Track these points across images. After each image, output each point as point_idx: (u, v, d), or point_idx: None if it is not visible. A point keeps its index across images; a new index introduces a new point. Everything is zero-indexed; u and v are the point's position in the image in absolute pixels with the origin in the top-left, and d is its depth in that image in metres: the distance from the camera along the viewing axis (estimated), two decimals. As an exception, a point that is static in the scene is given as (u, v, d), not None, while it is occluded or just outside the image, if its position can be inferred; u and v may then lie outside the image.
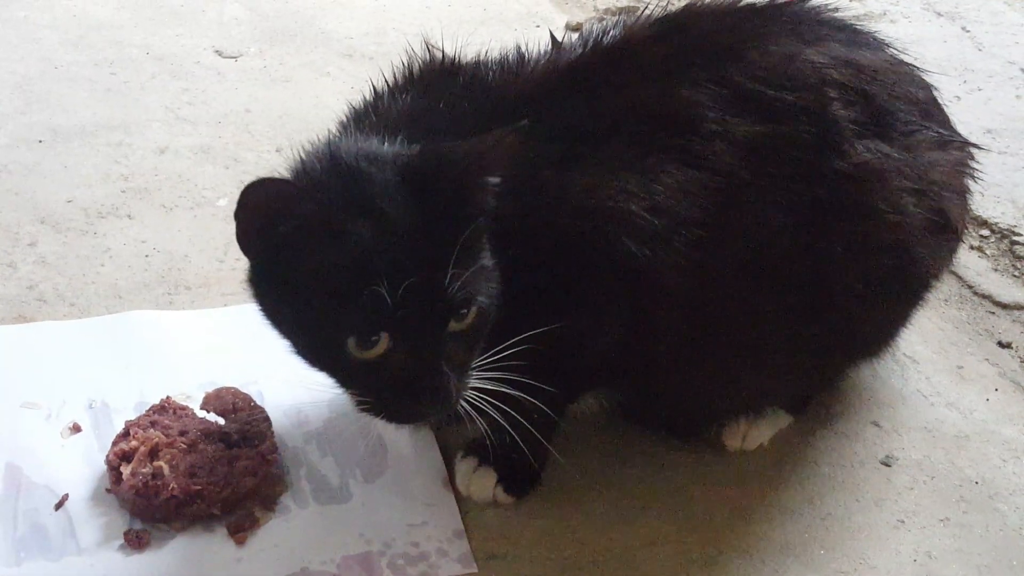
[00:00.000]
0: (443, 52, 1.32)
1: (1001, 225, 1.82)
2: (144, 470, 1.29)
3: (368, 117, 1.29)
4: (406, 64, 1.32)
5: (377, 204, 1.11)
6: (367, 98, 1.32)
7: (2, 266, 1.66)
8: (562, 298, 1.22)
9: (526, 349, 1.21)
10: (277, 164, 1.25)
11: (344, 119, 1.32)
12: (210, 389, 1.41)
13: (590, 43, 1.30)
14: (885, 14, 2.34)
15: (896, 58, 1.40)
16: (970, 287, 1.71)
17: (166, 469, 1.30)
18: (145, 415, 1.37)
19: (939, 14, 2.43)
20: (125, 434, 1.34)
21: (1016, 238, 1.80)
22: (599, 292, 1.24)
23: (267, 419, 1.38)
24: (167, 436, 1.33)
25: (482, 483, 1.34)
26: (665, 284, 1.23)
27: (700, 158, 1.23)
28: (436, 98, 1.27)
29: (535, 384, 1.27)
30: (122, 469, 1.30)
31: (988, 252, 1.79)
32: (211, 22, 2.31)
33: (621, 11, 2.38)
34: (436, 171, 1.13)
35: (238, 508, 1.30)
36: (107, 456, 1.32)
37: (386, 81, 1.31)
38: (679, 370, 1.30)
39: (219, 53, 2.21)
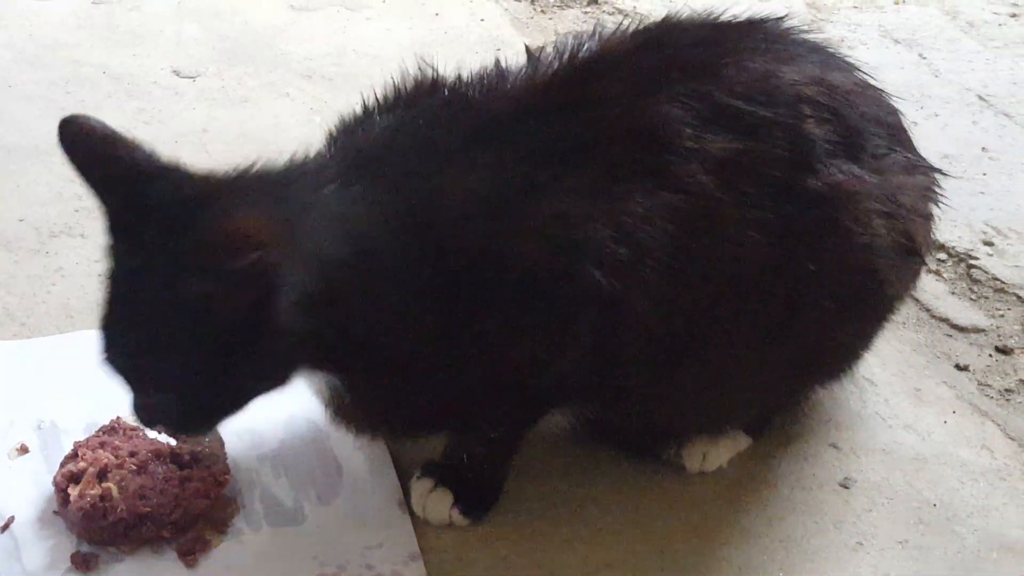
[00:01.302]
0: (433, 69, 1.30)
1: (958, 249, 1.83)
2: (92, 491, 1.27)
3: (356, 131, 1.28)
4: (394, 80, 1.31)
5: None
6: (356, 112, 1.31)
7: (-41, 282, 1.63)
8: (520, 324, 1.21)
9: (481, 373, 1.21)
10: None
11: (332, 133, 1.30)
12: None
13: (566, 57, 1.29)
14: (843, 40, 2.35)
15: (866, 81, 1.40)
16: (928, 310, 1.72)
17: (115, 491, 1.27)
18: (95, 436, 1.34)
19: (897, 41, 2.45)
20: (73, 455, 1.31)
21: (973, 262, 1.81)
22: (560, 320, 1.22)
23: (220, 440, 1.36)
24: (116, 457, 1.31)
25: (438, 504, 1.32)
26: (631, 311, 1.22)
27: (675, 179, 1.22)
28: (417, 115, 1.27)
29: (491, 407, 1.27)
30: (70, 491, 1.27)
31: (946, 276, 1.79)
32: (169, 42, 2.29)
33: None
34: None
35: (189, 530, 1.28)
36: (55, 478, 1.30)
37: (376, 97, 1.30)
38: (642, 391, 1.29)
39: (177, 73, 2.19)
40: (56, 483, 1.29)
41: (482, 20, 2.47)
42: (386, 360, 1.22)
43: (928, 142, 1.95)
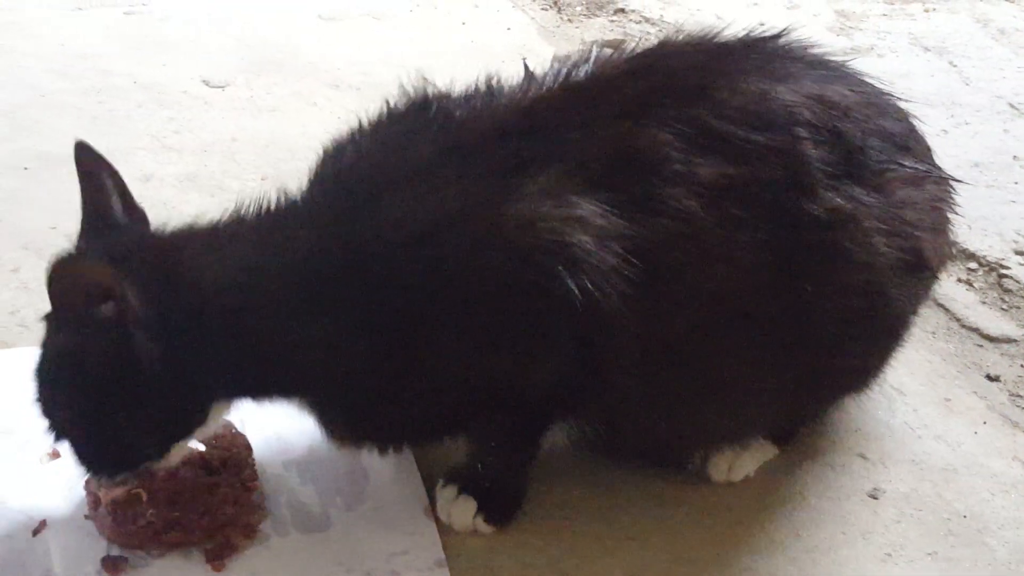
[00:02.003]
0: (426, 85, 1.31)
1: (989, 258, 1.82)
2: (122, 496, 1.27)
3: (348, 149, 1.29)
4: (388, 97, 1.31)
5: None
6: (350, 130, 1.31)
7: (-18, 292, 1.65)
8: (492, 335, 1.22)
9: (452, 385, 1.23)
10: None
11: (326, 150, 1.31)
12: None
13: (560, 77, 1.29)
14: (872, 48, 2.35)
15: (871, 90, 1.39)
16: (958, 320, 1.71)
17: (144, 495, 1.28)
18: None
19: (926, 48, 2.44)
20: None
21: (1004, 271, 1.80)
22: (530, 331, 1.22)
23: (248, 446, 1.36)
24: None
25: (462, 511, 1.32)
26: (612, 322, 1.20)
27: (658, 201, 1.21)
28: (404, 132, 1.27)
29: (482, 418, 1.28)
30: (101, 495, 1.28)
31: (976, 285, 1.78)
32: (199, 52, 2.31)
33: (608, 44, 2.39)
34: None
35: (218, 535, 1.28)
36: (85, 481, 1.30)
37: (367, 115, 1.31)
38: (644, 401, 1.28)
39: (206, 82, 2.21)
40: (86, 487, 1.30)
41: (509, 29, 2.48)
42: (345, 378, 1.23)
43: (958, 150, 1.95)
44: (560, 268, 1.17)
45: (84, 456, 1.25)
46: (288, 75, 2.25)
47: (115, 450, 1.24)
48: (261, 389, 1.27)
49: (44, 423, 1.25)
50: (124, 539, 1.27)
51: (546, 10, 2.60)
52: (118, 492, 1.28)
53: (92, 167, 1.27)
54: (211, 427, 1.29)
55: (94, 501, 1.29)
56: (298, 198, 1.27)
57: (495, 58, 2.30)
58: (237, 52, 2.32)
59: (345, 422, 1.30)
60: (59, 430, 1.25)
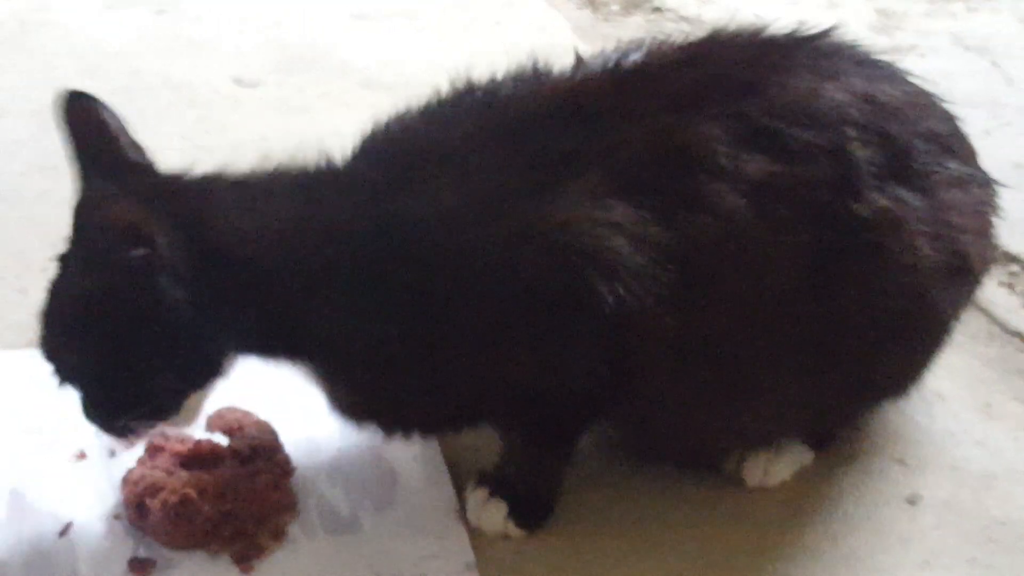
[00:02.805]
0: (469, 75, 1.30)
1: (1031, 261, 1.79)
2: (173, 498, 1.26)
3: (394, 125, 1.28)
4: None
5: None
6: (391, 114, 1.31)
7: (13, 291, 1.65)
8: (516, 331, 1.20)
9: (469, 378, 1.22)
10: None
11: (374, 125, 1.31)
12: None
13: (610, 65, 1.28)
14: (914, 48, 2.32)
15: (917, 90, 1.37)
16: (1000, 324, 1.67)
17: (193, 493, 1.27)
18: (152, 446, 1.34)
19: (968, 48, 2.41)
20: (139, 475, 1.31)
21: (1046, 274, 1.77)
22: (557, 335, 1.20)
23: (274, 431, 1.37)
24: (182, 463, 1.32)
25: (492, 514, 1.30)
26: (647, 324, 1.19)
27: (702, 198, 1.19)
28: (449, 111, 1.26)
29: (502, 415, 1.27)
30: (147, 501, 1.27)
31: (1018, 289, 1.75)
32: (230, 51, 2.31)
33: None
34: None
35: (268, 522, 1.28)
36: (124, 494, 1.30)
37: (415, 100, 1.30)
38: (680, 404, 1.27)
39: (237, 82, 2.21)
40: (126, 500, 1.29)
41: (543, 28, 2.46)
42: (358, 353, 1.22)
43: (1001, 151, 1.91)
44: (593, 272, 1.16)
45: (94, 403, 1.23)
46: (320, 74, 2.25)
47: (128, 397, 1.20)
48: (273, 347, 1.25)
49: (49, 366, 1.24)
50: (183, 541, 1.26)
51: (581, 9, 2.58)
52: (169, 497, 1.27)
53: (87, 107, 1.24)
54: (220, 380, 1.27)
55: (138, 512, 1.27)
56: (339, 165, 1.26)
57: (529, 58, 2.29)
58: (269, 51, 2.32)
59: (354, 395, 1.28)
60: (67, 374, 1.23)
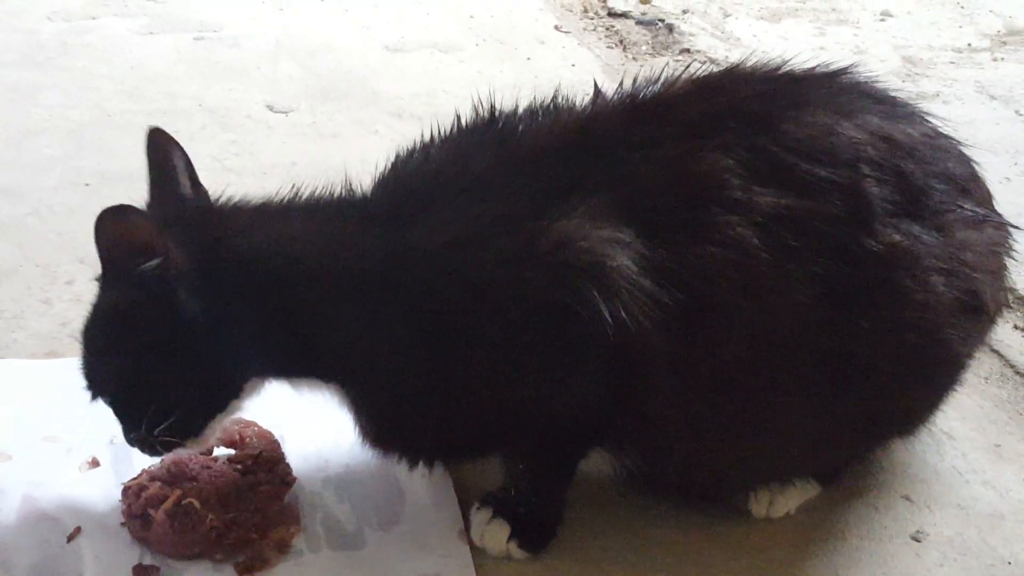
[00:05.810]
0: (494, 101, 1.31)
1: (1046, 306, 1.79)
2: (176, 509, 1.28)
3: (415, 155, 1.31)
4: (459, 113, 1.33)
5: None
6: (423, 139, 1.33)
7: (38, 302, 1.68)
8: (520, 352, 1.21)
9: (478, 403, 1.23)
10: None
11: (397, 155, 1.33)
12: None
13: (627, 97, 1.30)
14: (938, 95, 2.33)
15: (935, 131, 1.37)
16: (1012, 366, 1.67)
17: (197, 503, 1.29)
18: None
19: (993, 97, 2.41)
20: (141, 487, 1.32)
21: (1060, 319, 1.76)
22: (559, 358, 1.21)
23: (276, 442, 1.38)
24: (186, 474, 1.33)
25: (495, 536, 1.31)
26: (650, 349, 1.19)
27: (713, 229, 1.20)
28: (468, 143, 1.28)
29: (510, 439, 1.28)
30: (151, 513, 1.28)
31: (1031, 332, 1.75)
32: (264, 78, 2.35)
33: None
34: None
35: (271, 531, 1.30)
36: (127, 506, 1.31)
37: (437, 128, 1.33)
38: (686, 436, 1.26)
39: (270, 108, 2.24)
40: (130, 511, 1.30)
41: (573, 65, 2.49)
42: (374, 375, 1.24)
43: (1019, 197, 1.91)
44: (594, 292, 1.17)
45: (121, 418, 1.27)
46: (352, 103, 2.28)
47: (153, 412, 1.23)
48: (290, 369, 1.27)
49: (83, 383, 1.28)
50: (186, 549, 1.28)
51: (612, 48, 2.61)
52: (170, 504, 1.29)
53: (163, 144, 1.29)
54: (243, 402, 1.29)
55: (142, 522, 1.29)
56: (356, 193, 1.29)
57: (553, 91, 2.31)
58: (303, 79, 2.36)
59: (378, 422, 1.30)
60: (96, 388, 1.27)
